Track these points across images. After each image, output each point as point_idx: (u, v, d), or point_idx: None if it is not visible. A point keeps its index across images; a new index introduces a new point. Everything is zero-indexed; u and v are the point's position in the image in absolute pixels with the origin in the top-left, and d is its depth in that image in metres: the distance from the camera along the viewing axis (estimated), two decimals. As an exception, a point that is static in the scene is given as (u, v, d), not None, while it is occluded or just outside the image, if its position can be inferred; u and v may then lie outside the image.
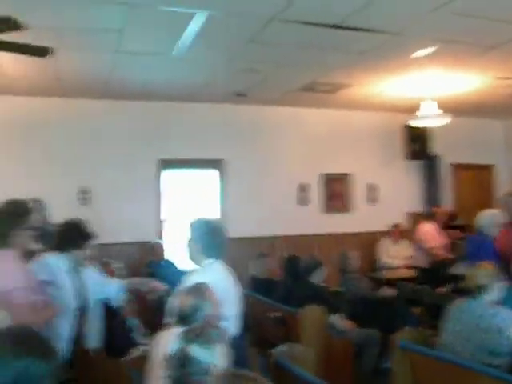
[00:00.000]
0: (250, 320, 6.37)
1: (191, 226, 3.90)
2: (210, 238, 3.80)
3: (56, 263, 3.97)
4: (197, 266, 3.82)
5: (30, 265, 3.92)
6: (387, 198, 9.80)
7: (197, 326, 2.63)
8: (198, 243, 3.79)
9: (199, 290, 3.25)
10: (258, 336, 6.19)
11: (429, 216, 8.78)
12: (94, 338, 4.09)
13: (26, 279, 3.46)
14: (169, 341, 2.74)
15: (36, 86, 7.44)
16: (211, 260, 3.81)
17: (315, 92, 8.27)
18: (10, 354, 1.79)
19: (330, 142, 9.52)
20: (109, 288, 4.29)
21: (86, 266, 4.13)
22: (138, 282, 4.49)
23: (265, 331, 6.11)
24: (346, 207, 9.68)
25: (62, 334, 3.85)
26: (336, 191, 9.59)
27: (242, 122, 9.01)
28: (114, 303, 4.44)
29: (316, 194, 9.47)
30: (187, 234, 3.86)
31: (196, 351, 2.47)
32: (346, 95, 8.49)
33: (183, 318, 3.12)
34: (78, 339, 3.96)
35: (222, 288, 3.66)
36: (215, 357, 2.47)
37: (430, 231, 8.39)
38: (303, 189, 9.35)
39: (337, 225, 9.40)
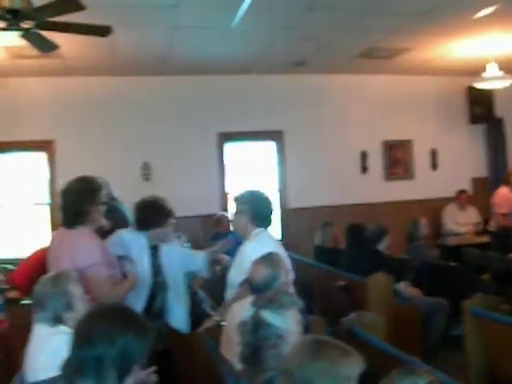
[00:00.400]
0: (315, 289, 6.42)
1: (238, 198, 4.00)
2: (258, 209, 3.89)
3: (132, 239, 4.05)
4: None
5: (107, 241, 4.05)
6: (450, 163, 9.57)
7: (270, 293, 2.66)
8: (246, 215, 3.88)
9: (273, 259, 3.29)
10: (324, 305, 6.23)
11: (504, 180, 8.55)
12: (180, 312, 4.12)
13: (104, 255, 3.55)
14: (242, 310, 2.78)
15: (93, 65, 7.58)
16: (260, 229, 3.89)
17: (374, 58, 8.11)
18: (117, 330, 1.89)
19: (390, 108, 9.33)
20: (197, 260, 4.31)
21: (170, 242, 4.14)
22: (214, 252, 4.48)
23: (331, 300, 6.14)
24: (408, 174, 9.50)
25: (137, 310, 3.95)
26: (398, 158, 9.43)
27: (301, 92, 8.93)
28: (205, 274, 4.49)
29: (378, 161, 9.34)
30: (234, 208, 3.96)
31: (269, 316, 2.51)
32: (406, 60, 8.29)
33: (259, 289, 3.15)
34: (159, 314, 4.05)
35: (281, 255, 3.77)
36: (288, 322, 2.50)
37: (506, 196, 8.19)
38: (365, 156, 9.23)
39: (400, 192, 9.25)
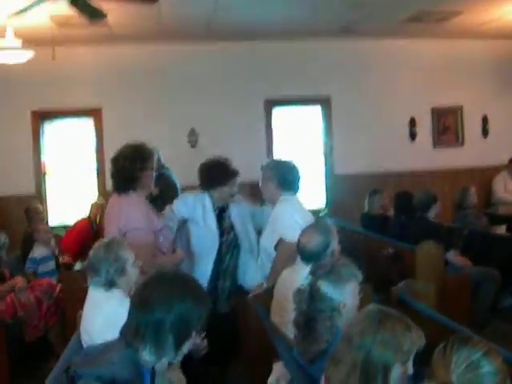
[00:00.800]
0: (362, 256, 6.39)
1: (264, 167, 4.10)
2: (284, 175, 3.99)
3: (197, 201, 4.08)
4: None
5: (168, 206, 4.10)
6: (502, 130, 9.26)
7: (327, 263, 2.63)
8: (273, 181, 3.97)
9: (325, 226, 3.26)
10: (371, 272, 6.19)
11: None
12: (253, 270, 4.16)
13: (147, 221, 3.58)
14: (296, 278, 2.78)
15: (140, 33, 7.59)
16: (289, 193, 3.98)
17: (424, 22, 7.86)
18: (175, 297, 1.94)
19: (440, 73, 9.05)
20: (266, 215, 4.31)
21: (237, 201, 4.18)
22: None
23: (377, 267, 6.09)
24: (458, 141, 9.26)
25: (205, 272, 4.00)
26: (447, 125, 9.20)
27: (348, 58, 8.75)
28: None
29: (427, 128, 9.12)
30: (262, 175, 4.05)
31: (326, 288, 2.48)
32: (458, 23, 7.99)
33: (312, 257, 3.13)
34: (227, 274, 4.09)
35: (310, 219, 3.86)
36: (345, 295, 2.48)
37: None
38: (413, 123, 9.03)
39: (448, 160, 9.04)
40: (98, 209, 7.00)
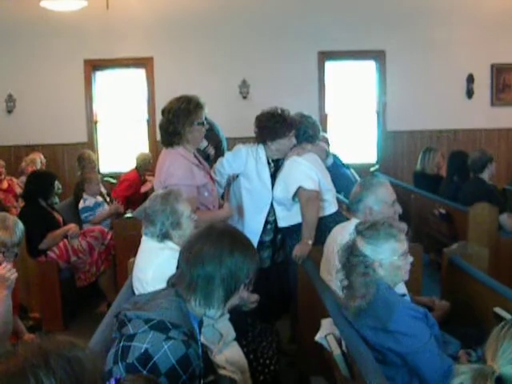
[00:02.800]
0: (413, 215, 6.30)
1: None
2: (307, 128, 4.12)
3: (250, 154, 4.01)
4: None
5: (219, 159, 4.09)
6: None
7: (370, 220, 2.62)
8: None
9: (366, 182, 3.26)
10: (421, 231, 6.11)
11: None
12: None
13: (190, 176, 3.53)
14: (345, 234, 2.75)
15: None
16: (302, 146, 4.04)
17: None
18: (225, 252, 1.97)
19: (501, 27, 8.61)
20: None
21: (294, 156, 4.01)
22: None
23: (429, 227, 6.00)
24: (518, 100, 8.91)
25: (256, 228, 3.99)
26: (507, 82, 8.82)
27: (406, 10, 8.41)
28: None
29: (486, 85, 8.73)
30: None
31: (361, 244, 2.49)
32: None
33: (348, 207, 3.26)
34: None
35: (324, 169, 4.06)
36: (380, 254, 2.45)
37: None
38: (471, 80, 8.70)
39: (507, 119, 8.69)
40: (144, 160, 7.10)
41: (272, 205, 4.00)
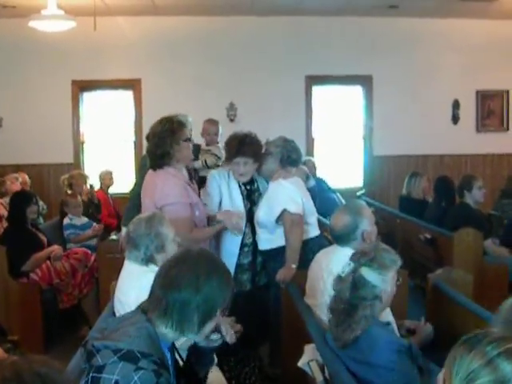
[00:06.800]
0: (398, 240, 6.30)
1: (270, 143, 4.08)
2: (291, 153, 4.04)
3: (222, 177, 4.02)
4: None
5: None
6: (551, 117, 8.98)
7: (369, 249, 2.57)
8: (277, 157, 3.97)
9: (355, 207, 3.20)
10: (407, 257, 6.09)
11: None
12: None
13: (183, 195, 3.54)
14: (331, 258, 2.73)
15: (181, 5, 7.53)
16: (286, 170, 4.02)
17: (472, 1, 7.58)
18: (202, 278, 1.95)
19: (487, 55, 8.76)
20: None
21: (277, 179, 4.00)
22: None
23: (414, 252, 6.00)
24: (502, 126, 8.99)
25: (232, 249, 3.95)
26: (492, 109, 8.94)
27: (393, 36, 8.56)
28: None
29: (471, 111, 8.88)
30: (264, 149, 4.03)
31: (369, 275, 2.43)
32: (507, 3, 7.70)
33: (340, 237, 3.09)
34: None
35: (307, 194, 4.07)
36: (387, 283, 2.43)
37: None
38: (457, 106, 8.80)
39: (492, 145, 8.80)
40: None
41: (248, 227, 3.99)
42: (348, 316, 2.44)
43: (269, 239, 3.95)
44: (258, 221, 3.94)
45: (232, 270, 3.78)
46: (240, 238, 3.95)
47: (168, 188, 3.52)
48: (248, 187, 4.05)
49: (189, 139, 3.64)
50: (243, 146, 3.86)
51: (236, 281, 3.79)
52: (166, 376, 1.84)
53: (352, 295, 2.45)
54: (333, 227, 3.20)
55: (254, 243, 4.00)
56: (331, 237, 3.26)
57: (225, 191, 3.98)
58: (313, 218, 4.04)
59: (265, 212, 3.90)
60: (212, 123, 5.26)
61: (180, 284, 1.92)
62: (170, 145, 3.52)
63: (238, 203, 3.98)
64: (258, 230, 3.97)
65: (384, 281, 2.43)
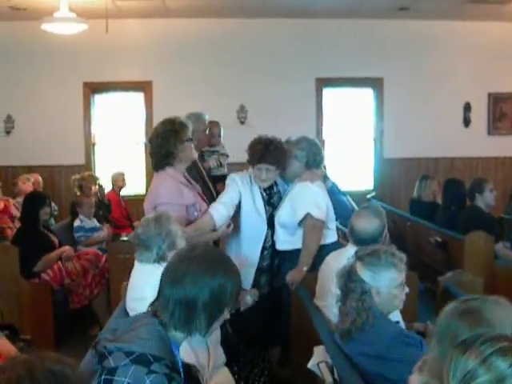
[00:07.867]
0: (408, 242, 6.28)
1: (293, 144, 4.04)
2: (316, 155, 4.00)
3: (245, 181, 3.96)
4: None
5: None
6: (561, 119, 8.92)
7: (372, 247, 2.59)
8: (302, 160, 3.95)
9: (378, 210, 3.19)
10: (417, 259, 6.08)
11: None
12: None
13: (178, 197, 3.57)
14: (343, 260, 2.73)
15: (192, 7, 7.56)
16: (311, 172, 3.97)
17: (484, 3, 7.56)
18: (208, 275, 1.93)
19: (499, 57, 8.72)
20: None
21: (304, 181, 3.94)
22: None
23: (424, 255, 5.98)
24: (515, 129, 8.96)
25: (253, 259, 3.92)
26: (504, 111, 8.89)
27: (404, 39, 8.55)
28: None
29: (483, 114, 8.84)
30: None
31: (360, 269, 2.47)
32: (521, 5, 7.68)
33: (367, 240, 3.05)
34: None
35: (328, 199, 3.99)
36: (379, 281, 2.44)
37: None
38: (468, 109, 8.77)
39: (504, 148, 8.76)
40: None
41: (268, 231, 3.96)
42: (343, 304, 2.52)
43: (288, 240, 3.91)
44: (279, 220, 3.89)
45: (253, 273, 3.85)
46: (259, 247, 3.93)
47: (162, 188, 3.59)
48: (268, 192, 4.00)
49: (191, 139, 3.69)
50: (267, 152, 3.77)
51: (255, 283, 3.81)
52: (177, 380, 1.83)
53: (343, 284, 2.51)
54: (361, 231, 3.14)
55: (273, 245, 3.97)
56: (355, 239, 3.21)
57: (247, 197, 3.92)
58: (333, 224, 4.01)
59: (287, 213, 3.87)
60: (216, 125, 5.35)
61: (185, 283, 1.91)
62: (173, 144, 3.58)
63: (260, 209, 3.93)
64: (278, 230, 3.91)
65: (374, 278, 2.44)
